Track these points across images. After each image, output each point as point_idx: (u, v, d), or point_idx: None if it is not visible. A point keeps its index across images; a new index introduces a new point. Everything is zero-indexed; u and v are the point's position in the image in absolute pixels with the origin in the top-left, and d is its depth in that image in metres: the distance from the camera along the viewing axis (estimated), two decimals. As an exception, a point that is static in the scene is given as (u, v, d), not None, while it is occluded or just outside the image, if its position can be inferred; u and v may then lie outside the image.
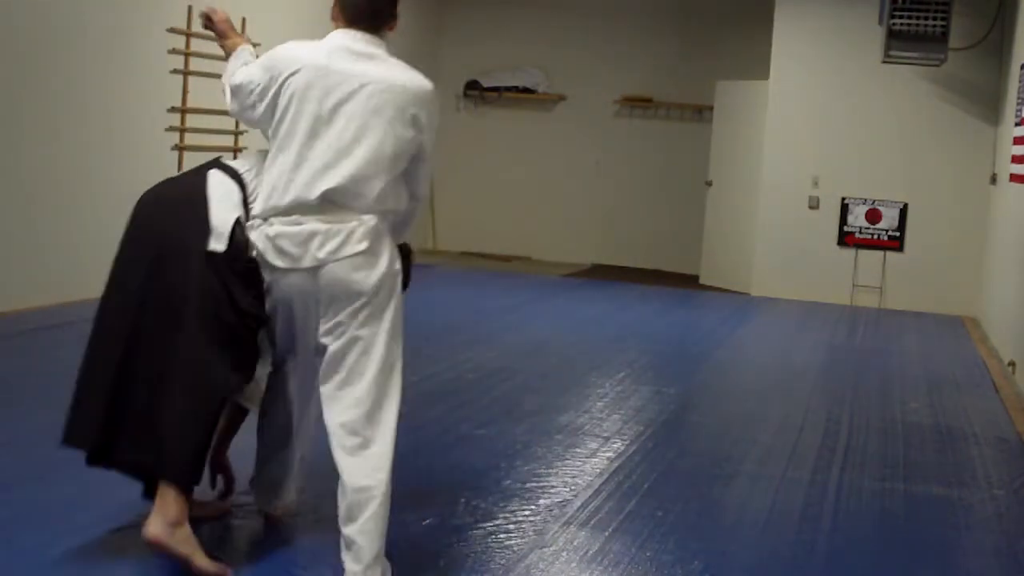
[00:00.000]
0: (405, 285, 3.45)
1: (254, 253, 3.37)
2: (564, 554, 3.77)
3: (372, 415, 3.25)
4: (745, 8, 11.83)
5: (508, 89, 12.80)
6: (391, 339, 3.30)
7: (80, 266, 7.75)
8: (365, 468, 3.22)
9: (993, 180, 10.21)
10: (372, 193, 3.28)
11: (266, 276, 3.37)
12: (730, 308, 10.24)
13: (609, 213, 12.71)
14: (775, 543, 4.11)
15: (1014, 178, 8.54)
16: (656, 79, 12.48)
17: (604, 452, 5.06)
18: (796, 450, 5.38)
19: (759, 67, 11.24)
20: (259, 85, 3.39)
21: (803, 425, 5.90)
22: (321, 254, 3.24)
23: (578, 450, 5.07)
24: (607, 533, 4.00)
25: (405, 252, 3.52)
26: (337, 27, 3.42)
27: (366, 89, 3.28)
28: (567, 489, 4.47)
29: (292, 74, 3.31)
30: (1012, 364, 7.45)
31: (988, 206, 10.39)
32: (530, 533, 3.93)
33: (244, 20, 9.29)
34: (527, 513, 4.13)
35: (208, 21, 3.83)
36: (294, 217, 3.28)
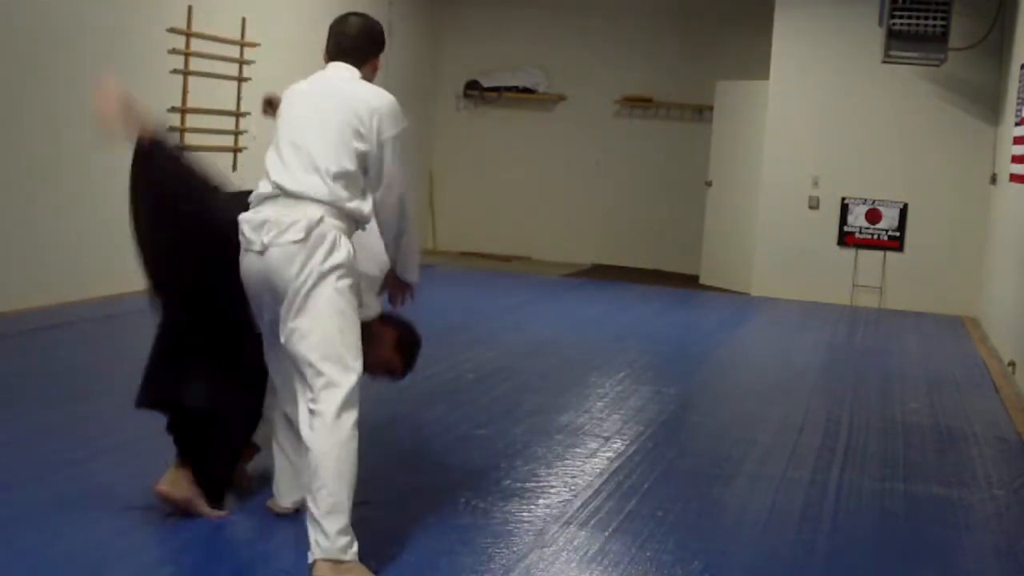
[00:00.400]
0: (403, 373, 3.99)
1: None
2: (564, 554, 3.77)
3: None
4: (745, 8, 11.82)
5: (508, 89, 12.80)
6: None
7: (80, 266, 7.76)
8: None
9: (993, 180, 10.21)
10: (316, 189, 3.53)
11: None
12: (730, 308, 10.24)
13: (609, 213, 12.71)
14: (775, 543, 4.11)
15: (1014, 178, 8.54)
16: (656, 79, 12.47)
17: (604, 452, 5.06)
18: (796, 450, 5.38)
19: (759, 67, 11.24)
20: None
21: (803, 425, 5.90)
22: (266, 239, 3.52)
23: (578, 450, 5.07)
24: (607, 533, 4.00)
25: (409, 340, 3.93)
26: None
27: (328, 100, 3.63)
28: (567, 489, 4.47)
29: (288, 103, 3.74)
30: (1012, 364, 7.45)
31: (988, 206, 10.39)
32: (530, 533, 3.93)
33: (244, 20, 9.30)
34: (527, 513, 4.13)
35: (268, 106, 4.17)
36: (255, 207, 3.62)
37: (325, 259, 3.47)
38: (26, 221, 7.32)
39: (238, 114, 9.18)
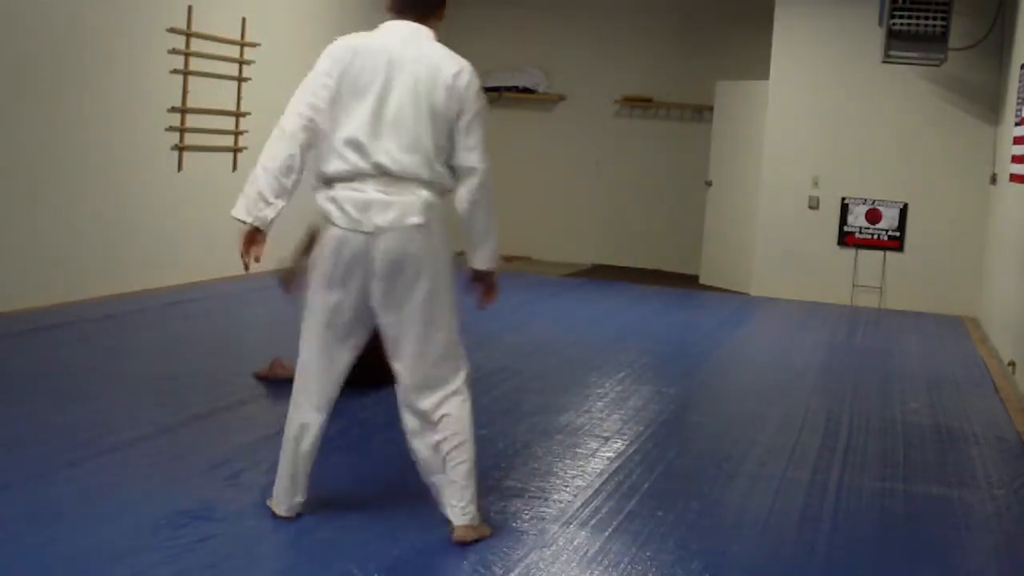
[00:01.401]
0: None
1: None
2: (564, 554, 3.77)
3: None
4: (745, 8, 11.82)
5: (508, 89, 12.80)
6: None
7: (80, 266, 7.76)
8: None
9: (993, 180, 10.20)
10: (420, 169, 3.57)
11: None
12: (730, 308, 10.24)
13: (609, 213, 12.71)
14: (775, 543, 4.11)
15: (1014, 178, 8.54)
16: (656, 79, 12.48)
17: (604, 452, 5.06)
18: (796, 450, 5.38)
19: (759, 67, 11.24)
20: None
21: (803, 425, 5.90)
22: (380, 221, 3.57)
23: (578, 450, 5.07)
24: (607, 533, 4.00)
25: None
26: (386, 18, 3.72)
27: (415, 68, 3.59)
28: (567, 489, 4.47)
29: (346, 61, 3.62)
30: (1012, 364, 7.45)
31: (988, 206, 10.39)
32: (530, 533, 3.93)
33: (244, 20, 9.30)
34: (527, 513, 4.13)
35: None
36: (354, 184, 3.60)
37: (444, 245, 3.60)
38: (26, 221, 7.32)
39: (238, 114, 9.18)
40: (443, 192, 3.65)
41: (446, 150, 3.63)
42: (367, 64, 3.58)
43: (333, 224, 3.59)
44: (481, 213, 3.70)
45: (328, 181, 3.62)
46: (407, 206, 3.56)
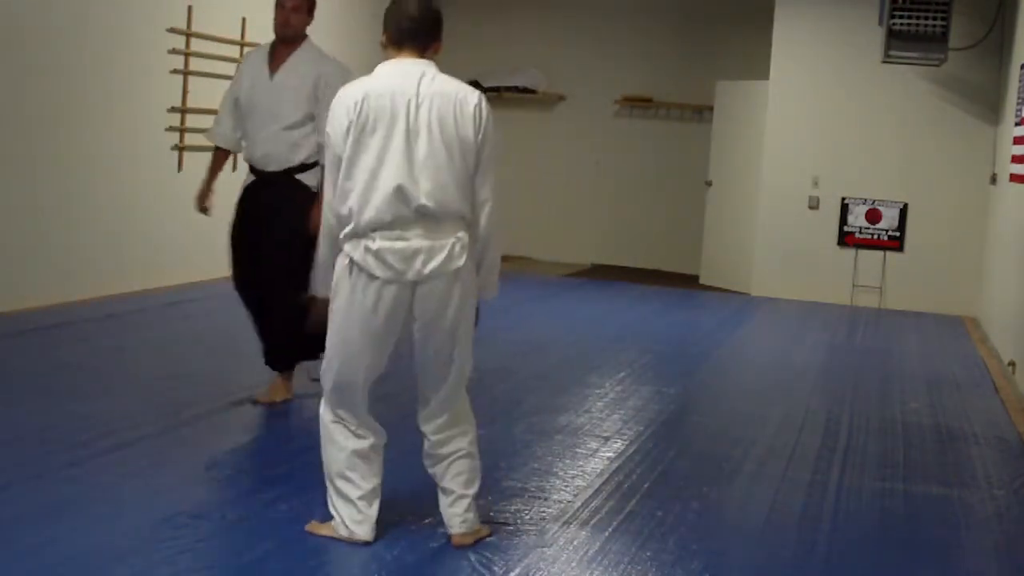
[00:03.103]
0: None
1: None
2: (564, 554, 3.77)
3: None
4: (745, 8, 11.82)
5: (508, 89, 12.78)
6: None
7: (80, 266, 7.76)
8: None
9: (993, 180, 10.20)
10: (454, 205, 3.59)
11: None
12: (730, 308, 10.24)
13: (609, 213, 12.71)
14: (775, 543, 4.11)
15: (1014, 178, 8.54)
16: (656, 79, 12.47)
17: (604, 452, 5.06)
18: (796, 450, 5.38)
19: (759, 67, 11.24)
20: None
21: (803, 425, 5.90)
22: (426, 269, 3.60)
23: (578, 450, 5.07)
24: (607, 533, 4.00)
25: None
26: (387, 55, 3.67)
27: (434, 104, 3.55)
28: (567, 489, 4.47)
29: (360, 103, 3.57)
30: (1012, 364, 7.44)
31: (988, 206, 10.39)
32: (530, 533, 3.93)
33: (244, 20, 9.30)
34: (527, 513, 4.13)
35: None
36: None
37: (474, 281, 3.66)
38: (26, 221, 7.32)
39: (238, 114, 9.17)
40: (472, 227, 3.63)
41: (473, 183, 3.61)
42: (384, 106, 3.51)
43: (370, 275, 3.52)
44: (493, 245, 3.71)
45: (364, 231, 3.52)
46: (450, 250, 3.54)
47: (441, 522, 3.89)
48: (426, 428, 3.79)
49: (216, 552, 3.56)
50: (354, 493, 3.71)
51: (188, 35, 8.58)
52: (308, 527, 3.78)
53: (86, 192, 7.78)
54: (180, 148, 8.58)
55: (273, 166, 5.32)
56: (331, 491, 3.75)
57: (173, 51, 8.46)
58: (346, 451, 3.70)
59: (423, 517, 3.95)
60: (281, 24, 5.43)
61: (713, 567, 3.75)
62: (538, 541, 3.86)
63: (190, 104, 8.64)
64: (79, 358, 6.24)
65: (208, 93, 8.86)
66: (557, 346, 7.66)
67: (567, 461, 4.88)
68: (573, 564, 3.70)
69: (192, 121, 8.67)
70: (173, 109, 8.51)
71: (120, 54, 8.02)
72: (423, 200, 3.48)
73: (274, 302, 5.28)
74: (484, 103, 3.62)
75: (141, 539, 3.62)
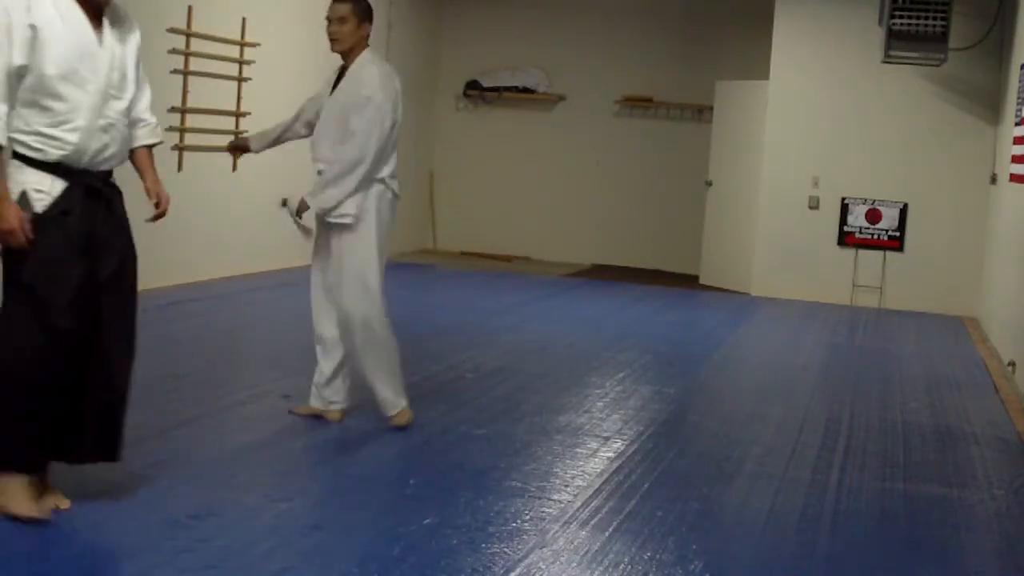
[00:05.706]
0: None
1: None
2: (564, 554, 3.77)
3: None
4: (745, 8, 11.83)
5: (508, 89, 12.80)
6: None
7: (80, 266, 7.74)
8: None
9: (993, 180, 10.21)
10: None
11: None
12: (730, 308, 10.24)
13: (609, 213, 12.71)
14: (775, 543, 4.11)
15: (1014, 178, 8.54)
16: (656, 79, 12.48)
17: (604, 452, 5.06)
18: (796, 450, 5.38)
19: (759, 67, 11.24)
20: None
21: (803, 425, 5.90)
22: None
23: (578, 450, 5.07)
24: (607, 533, 4.00)
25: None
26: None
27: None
28: (567, 489, 4.47)
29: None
30: (1012, 364, 7.45)
31: (988, 206, 10.39)
32: (530, 533, 3.93)
33: (244, 20, 9.30)
34: (527, 513, 4.13)
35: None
36: None
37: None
38: (26, 221, 7.31)
39: (238, 114, 9.18)
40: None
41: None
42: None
43: (394, 193, 5.10)
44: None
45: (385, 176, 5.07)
46: None
47: (442, 522, 3.89)
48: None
49: (216, 552, 3.56)
50: (399, 377, 5.11)
51: (188, 35, 8.58)
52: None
53: (86, 192, 7.77)
54: (180, 148, 8.58)
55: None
56: (385, 377, 5.05)
57: (173, 51, 8.46)
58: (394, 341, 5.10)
59: (422, 517, 3.95)
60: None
61: (713, 567, 3.75)
62: (538, 541, 3.86)
63: (190, 104, 8.64)
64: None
65: (208, 93, 8.87)
66: (557, 346, 7.66)
67: (567, 461, 4.88)
68: (573, 564, 3.70)
69: (192, 121, 8.67)
70: (173, 109, 8.51)
71: (120, 54, 8.00)
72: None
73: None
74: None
75: (141, 539, 3.62)
